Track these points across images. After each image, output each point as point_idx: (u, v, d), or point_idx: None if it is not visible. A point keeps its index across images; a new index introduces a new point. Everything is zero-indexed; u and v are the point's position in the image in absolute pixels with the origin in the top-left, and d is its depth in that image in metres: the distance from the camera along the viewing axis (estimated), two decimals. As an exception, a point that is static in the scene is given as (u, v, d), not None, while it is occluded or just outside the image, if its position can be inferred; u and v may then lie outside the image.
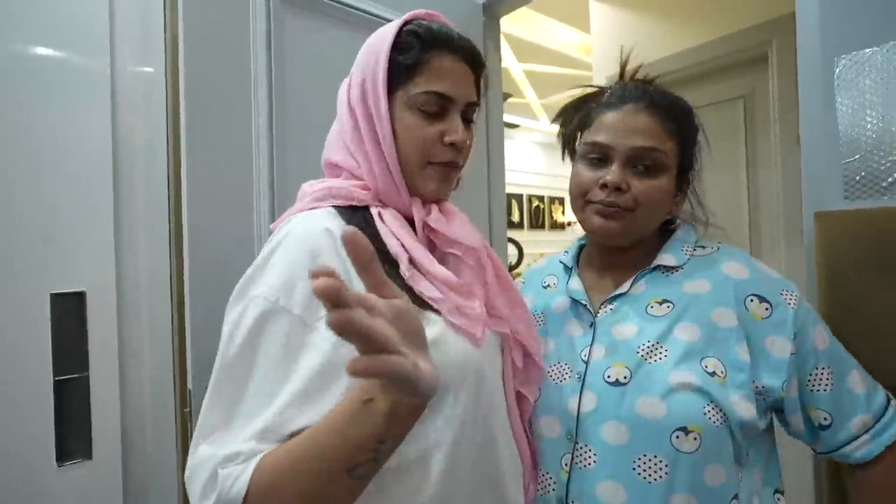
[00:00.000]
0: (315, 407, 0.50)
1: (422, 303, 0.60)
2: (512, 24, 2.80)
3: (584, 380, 0.69)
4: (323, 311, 0.51)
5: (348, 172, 0.66)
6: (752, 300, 0.67)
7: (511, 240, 4.43)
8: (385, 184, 0.64)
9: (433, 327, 0.58)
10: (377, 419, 0.42)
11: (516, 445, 0.68)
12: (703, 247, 0.75)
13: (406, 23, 0.65)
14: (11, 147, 0.96)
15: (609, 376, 0.67)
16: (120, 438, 0.99)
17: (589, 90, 0.82)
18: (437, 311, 0.61)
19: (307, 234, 0.58)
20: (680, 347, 0.66)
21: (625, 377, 0.66)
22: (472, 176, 1.57)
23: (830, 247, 0.81)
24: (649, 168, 0.70)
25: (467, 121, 0.67)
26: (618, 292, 0.73)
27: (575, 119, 0.80)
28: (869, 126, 0.82)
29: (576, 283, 0.78)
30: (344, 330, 0.34)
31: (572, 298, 0.77)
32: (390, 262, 0.60)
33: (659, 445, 0.62)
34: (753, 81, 1.93)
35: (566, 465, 0.67)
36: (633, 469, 0.62)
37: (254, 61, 1.10)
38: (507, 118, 4.00)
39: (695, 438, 0.61)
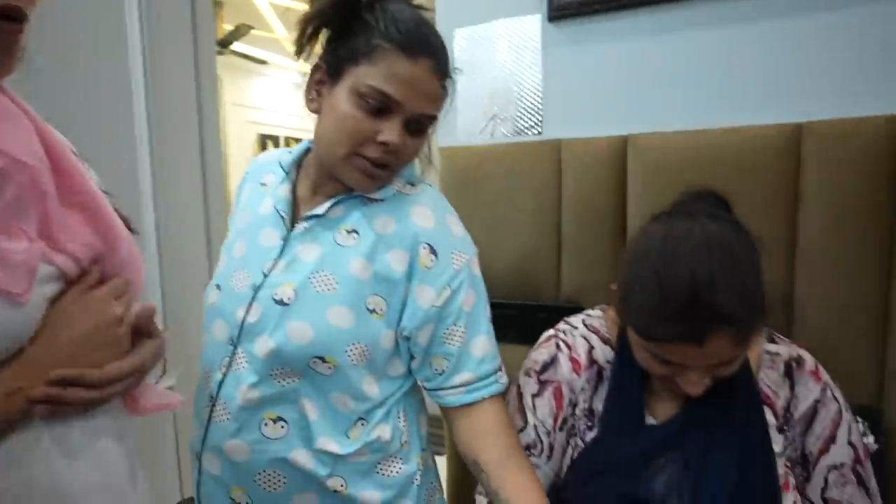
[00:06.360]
0: None
1: None
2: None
3: (256, 293, 0.71)
4: None
5: None
6: (424, 248, 0.69)
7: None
8: None
9: None
10: None
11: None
12: (413, 184, 0.75)
13: None
14: None
15: (276, 294, 0.69)
16: None
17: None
18: None
19: None
20: (349, 282, 0.68)
21: (289, 298, 0.68)
22: (181, 111, 1.55)
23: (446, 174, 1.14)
24: (420, 129, 0.70)
25: None
26: (314, 213, 0.72)
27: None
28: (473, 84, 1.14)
29: (283, 192, 0.76)
30: None
31: (275, 207, 0.76)
32: None
33: (296, 364, 0.68)
34: None
35: (224, 367, 0.71)
36: (271, 375, 0.69)
37: None
38: (254, 52, 3.81)
39: (329, 368, 0.68)
